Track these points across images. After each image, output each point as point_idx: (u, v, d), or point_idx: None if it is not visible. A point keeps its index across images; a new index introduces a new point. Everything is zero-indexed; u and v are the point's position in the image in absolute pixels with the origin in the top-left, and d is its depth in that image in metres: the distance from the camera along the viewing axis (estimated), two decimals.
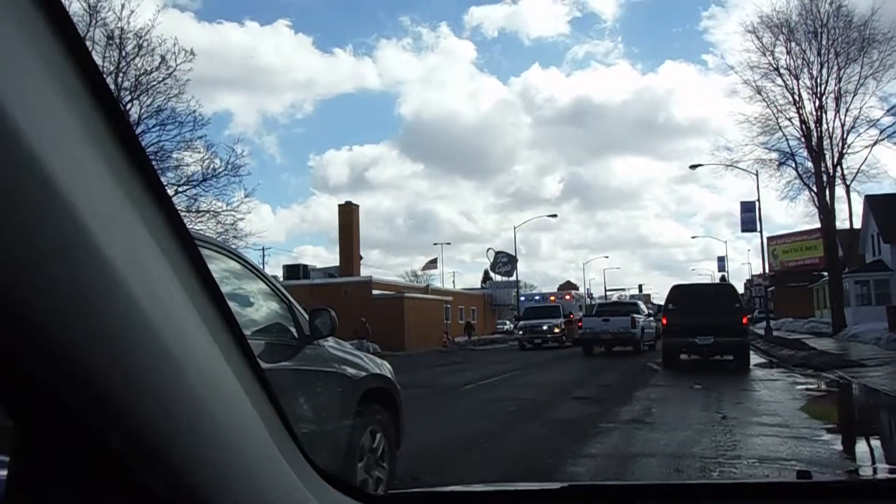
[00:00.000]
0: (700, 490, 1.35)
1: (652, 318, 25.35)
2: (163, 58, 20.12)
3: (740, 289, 76.29)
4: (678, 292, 17.27)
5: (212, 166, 21.40)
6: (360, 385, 4.44)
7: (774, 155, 30.67)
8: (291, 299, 4.14)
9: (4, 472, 0.82)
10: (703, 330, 15.47)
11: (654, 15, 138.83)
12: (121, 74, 19.37)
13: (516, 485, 1.33)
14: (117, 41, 19.72)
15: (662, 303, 19.52)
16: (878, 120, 28.91)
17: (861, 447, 7.42)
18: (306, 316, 4.06)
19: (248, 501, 0.73)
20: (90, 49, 0.59)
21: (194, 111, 20.95)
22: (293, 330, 4.00)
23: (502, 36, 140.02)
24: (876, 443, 7.61)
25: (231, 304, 2.23)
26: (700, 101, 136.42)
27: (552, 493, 1.22)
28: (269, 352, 3.69)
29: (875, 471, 6.18)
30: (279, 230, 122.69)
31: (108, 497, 0.75)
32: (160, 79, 20.21)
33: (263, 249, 55.09)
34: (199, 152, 21.18)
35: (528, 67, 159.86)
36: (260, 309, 4.01)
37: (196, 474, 0.67)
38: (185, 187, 20.55)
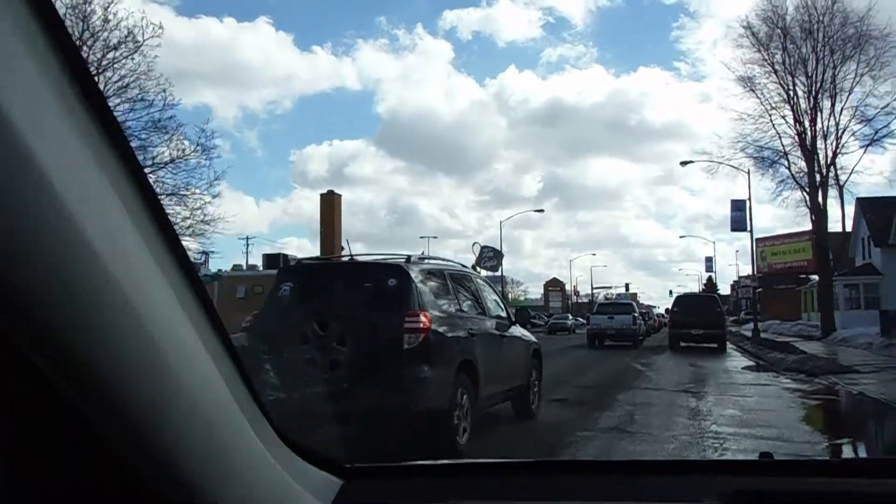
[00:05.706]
0: (665, 466, 1.39)
1: (643, 317, 29.52)
2: (129, 31, 19.06)
3: (727, 290, 77.61)
4: (680, 300, 26.61)
5: (180, 147, 20.31)
6: (532, 347, 8.38)
7: (766, 153, 30.09)
8: (505, 301, 8.27)
9: None
10: (696, 324, 23.26)
11: (624, 23, 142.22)
12: (85, 48, 18.27)
13: (481, 460, 1.35)
14: (81, 14, 18.65)
15: (649, 303, 26.22)
16: (871, 118, 28.24)
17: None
18: (513, 311, 8.43)
19: (214, 469, 0.76)
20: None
21: (164, 90, 19.83)
22: (505, 316, 7.96)
23: (477, 38, 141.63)
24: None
25: (482, 303, 7.52)
26: (674, 105, 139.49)
27: (515, 466, 1.27)
28: (499, 326, 7.44)
29: None
30: (263, 222, 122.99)
31: (94, 478, 0.77)
32: (127, 54, 19.15)
33: (248, 239, 54.21)
34: (168, 133, 20.05)
35: (505, 69, 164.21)
36: (493, 305, 7.81)
37: (161, 435, 0.70)
38: (152, 168, 19.37)
